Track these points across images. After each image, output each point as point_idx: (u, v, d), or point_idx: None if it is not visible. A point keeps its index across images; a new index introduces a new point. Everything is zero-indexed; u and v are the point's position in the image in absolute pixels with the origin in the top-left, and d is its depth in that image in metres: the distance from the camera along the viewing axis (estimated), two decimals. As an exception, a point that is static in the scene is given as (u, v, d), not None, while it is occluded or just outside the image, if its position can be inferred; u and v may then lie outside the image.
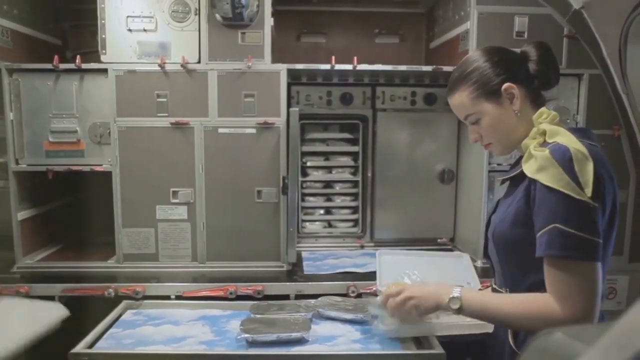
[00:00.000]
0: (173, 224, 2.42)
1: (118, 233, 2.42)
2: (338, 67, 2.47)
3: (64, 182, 2.69)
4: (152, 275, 2.34)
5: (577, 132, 1.37)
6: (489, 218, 1.59)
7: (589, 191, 1.24)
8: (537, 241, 1.30)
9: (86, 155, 2.39)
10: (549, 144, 1.33)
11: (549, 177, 1.27)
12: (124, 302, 1.97)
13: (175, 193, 2.41)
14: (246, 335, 1.61)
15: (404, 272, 1.70)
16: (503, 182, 1.55)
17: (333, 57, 2.46)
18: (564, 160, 1.27)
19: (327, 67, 2.48)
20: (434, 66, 2.56)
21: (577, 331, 0.55)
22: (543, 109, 1.43)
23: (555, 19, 2.41)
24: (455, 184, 2.86)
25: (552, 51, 1.50)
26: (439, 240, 2.88)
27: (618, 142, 2.49)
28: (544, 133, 1.37)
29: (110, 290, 2.18)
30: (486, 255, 1.61)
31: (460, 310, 1.42)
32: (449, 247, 2.87)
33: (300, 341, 1.62)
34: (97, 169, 2.40)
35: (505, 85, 1.43)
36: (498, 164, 2.49)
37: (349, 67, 2.48)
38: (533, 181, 1.32)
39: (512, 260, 1.45)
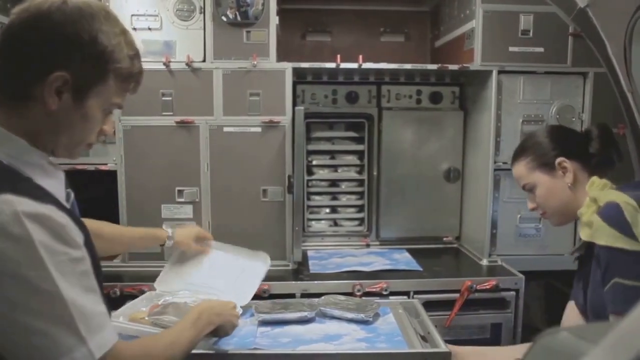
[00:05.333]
0: (178, 222, 2.41)
1: (124, 232, 2.41)
2: (343, 65, 2.47)
3: (68, 181, 2.69)
4: (158, 274, 2.34)
5: (629, 187, 1.43)
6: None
7: None
8: (605, 299, 1.32)
9: (91, 154, 2.38)
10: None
11: (603, 236, 1.32)
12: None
13: (180, 192, 2.42)
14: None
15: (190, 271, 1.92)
16: (576, 258, 1.60)
17: (338, 56, 2.46)
18: (614, 216, 1.31)
19: (332, 65, 2.48)
20: (440, 65, 2.55)
21: (582, 330, 0.55)
22: (594, 177, 1.52)
23: (560, 17, 2.40)
24: (461, 182, 2.86)
25: (613, 133, 1.64)
26: (444, 238, 2.88)
27: (623, 140, 2.47)
28: (595, 200, 1.43)
29: (116, 289, 2.19)
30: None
31: None
32: (455, 245, 2.87)
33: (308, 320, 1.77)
34: (102, 168, 2.40)
35: (559, 159, 1.56)
36: (504, 163, 2.49)
37: (354, 65, 2.48)
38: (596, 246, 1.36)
39: None
